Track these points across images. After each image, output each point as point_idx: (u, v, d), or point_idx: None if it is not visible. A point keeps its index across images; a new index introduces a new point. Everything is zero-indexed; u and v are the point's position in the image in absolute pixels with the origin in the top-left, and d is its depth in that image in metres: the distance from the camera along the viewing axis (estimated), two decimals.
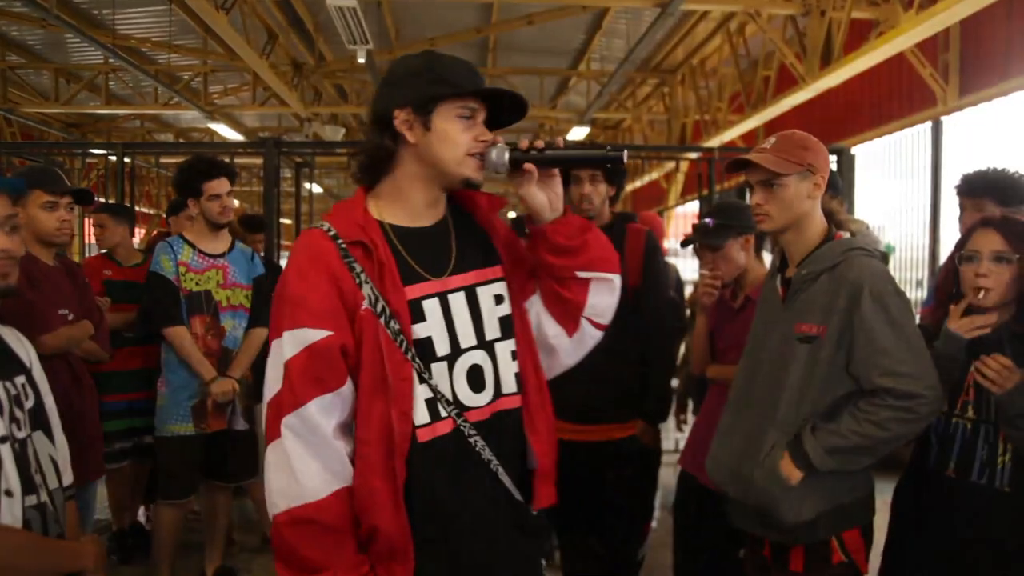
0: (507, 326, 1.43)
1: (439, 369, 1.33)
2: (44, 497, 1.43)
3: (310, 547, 1.24)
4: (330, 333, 1.26)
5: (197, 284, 3.05)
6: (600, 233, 1.48)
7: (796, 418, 1.76)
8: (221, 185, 3.06)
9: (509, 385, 1.41)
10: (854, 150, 6.98)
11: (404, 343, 1.28)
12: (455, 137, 1.33)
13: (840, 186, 3.47)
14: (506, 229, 1.52)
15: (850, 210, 5.34)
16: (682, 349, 4.22)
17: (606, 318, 1.53)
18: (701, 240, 2.53)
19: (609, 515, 2.92)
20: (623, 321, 2.65)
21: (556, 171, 1.40)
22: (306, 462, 1.24)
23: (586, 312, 1.48)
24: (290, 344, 1.26)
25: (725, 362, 2.51)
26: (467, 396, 1.35)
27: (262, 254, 4.28)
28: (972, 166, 2.80)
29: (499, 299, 1.43)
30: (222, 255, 3.15)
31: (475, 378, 1.37)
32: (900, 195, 6.53)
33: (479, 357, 1.37)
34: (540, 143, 1.38)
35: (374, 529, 1.26)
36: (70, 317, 2.66)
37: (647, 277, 2.71)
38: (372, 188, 1.41)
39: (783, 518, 1.76)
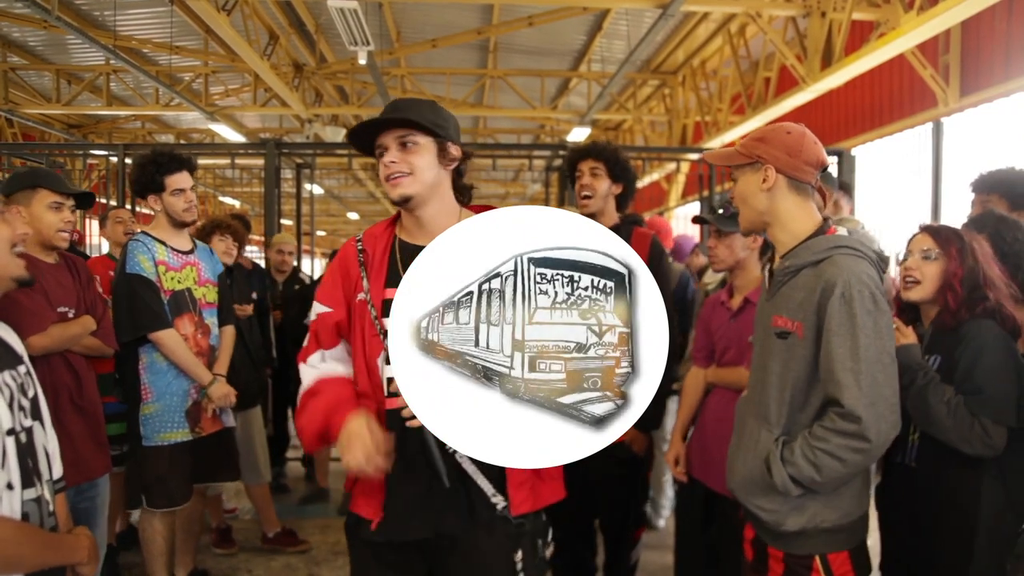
0: None
1: None
2: (42, 490, 1.45)
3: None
4: (329, 310, 1.73)
5: (179, 282, 2.90)
6: None
7: (783, 416, 1.70)
8: (184, 179, 2.90)
9: None
10: (855, 151, 7.01)
11: (379, 327, 1.65)
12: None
13: (834, 183, 3.47)
14: None
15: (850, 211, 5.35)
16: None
17: None
18: (713, 220, 2.52)
19: (600, 517, 2.92)
20: None
21: None
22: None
23: None
24: (312, 312, 1.77)
25: (723, 364, 2.51)
26: None
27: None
28: (972, 167, 2.82)
29: None
30: (191, 251, 3.01)
31: None
32: (901, 196, 6.52)
33: None
34: None
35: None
36: (70, 314, 2.62)
37: None
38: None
39: (761, 519, 1.74)
